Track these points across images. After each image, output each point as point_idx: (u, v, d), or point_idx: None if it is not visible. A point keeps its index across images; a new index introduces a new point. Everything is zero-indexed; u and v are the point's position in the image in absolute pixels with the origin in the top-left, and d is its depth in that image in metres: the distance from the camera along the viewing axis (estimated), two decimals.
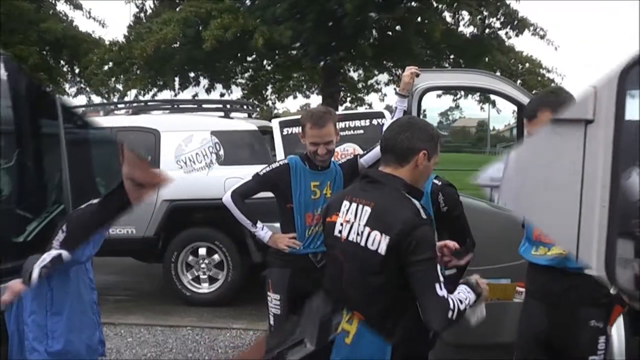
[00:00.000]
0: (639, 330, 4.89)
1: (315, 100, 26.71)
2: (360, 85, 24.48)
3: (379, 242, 3.28)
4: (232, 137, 9.96)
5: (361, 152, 5.92)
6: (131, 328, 8.75)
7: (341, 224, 3.50)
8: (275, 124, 9.13)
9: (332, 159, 5.35)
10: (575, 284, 3.94)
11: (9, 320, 3.60)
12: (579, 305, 3.98)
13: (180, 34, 17.68)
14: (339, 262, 3.52)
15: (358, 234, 3.40)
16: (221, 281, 9.90)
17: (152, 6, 21.31)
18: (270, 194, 5.45)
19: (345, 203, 3.53)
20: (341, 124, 8.70)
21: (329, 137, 5.13)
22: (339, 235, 3.51)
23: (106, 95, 22.96)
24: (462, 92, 20.53)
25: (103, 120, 10.99)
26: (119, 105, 12.92)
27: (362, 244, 3.36)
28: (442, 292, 3.20)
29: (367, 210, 3.40)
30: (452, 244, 3.89)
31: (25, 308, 3.60)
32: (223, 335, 8.44)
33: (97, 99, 23.66)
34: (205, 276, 9.96)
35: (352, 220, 3.45)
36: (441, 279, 3.23)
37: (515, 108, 6.21)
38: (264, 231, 5.37)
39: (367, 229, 3.35)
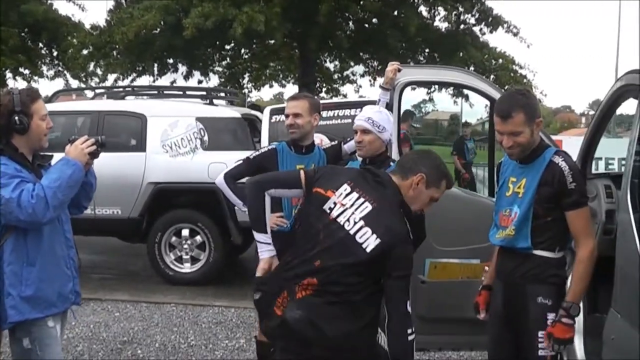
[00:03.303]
0: (596, 308, 5.32)
1: (291, 89, 27.01)
2: (336, 76, 24.74)
3: (367, 238, 3.63)
4: (217, 123, 10.34)
5: (328, 142, 6.43)
6: (117, 304, 9.13)
7: (334, 203, 3.76)
8: (266, 111, 9.51)
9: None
10: (521, 262, 4.31)
11: None
12: (526, 282, 4.29)
13: (161, 21, 17.91)
14: (316, 232, 3.75)
15: (348, 220, 3.69)
16: (203, 261, 10.31)
17: None
18: None
19: (346, 187, 3.79)
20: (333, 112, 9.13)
21: (296, 110, 5.67)
22: (328, 211, 3.75)
23: (84, 79, 23.12)
24: (437, 86, 20.90)
25: (90, 104, 11.34)
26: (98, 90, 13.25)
27: (351, 232, 3.67)
28: (409, 309, 3.67)
29: (368, 207, 3.71)
30: None
31: (5, 259, 4.07)
32: (206, 312, 8.84)
33: (74, 83, 23.86)
34: (188, 256, 10.36)
35: (348, 207, 3.73)
36: (409, 297, 3.67)
37: (489, 104, 6.61)
38: None
39: (362, 222, 3.67)
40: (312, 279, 3.67)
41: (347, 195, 3.76)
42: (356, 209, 3.71)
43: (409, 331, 3.66)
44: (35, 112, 4.18)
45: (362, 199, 3.74)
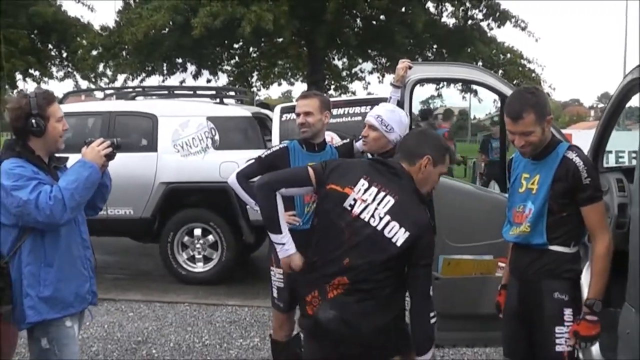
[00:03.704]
0: (610, 303, 5.32)
1: (300, 87, 27.04)
2: (344, 74, 24.78)
3: (395, 232, 3.70)
4: (227, 122, 10.38)
5: (339, 140, 6.44)
6: (131, 304, 9.20)
7: (354, 200, 3.78)
8: (276, 109, 9.55)
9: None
10: (536, 258, 4.32)
11: (12, 270, 4.18)
12: (541, 278, 4.30)
13: (170, 21, 17.97)
14: (340, 230, 3.77)
15: (373, 216, 3.73)
16: (215, 261, 10.35)
17: None
18: None
19: (363, 182, 3.81)
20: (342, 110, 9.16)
21: (307, 108, 5.64)
22: (349, 208, 3.77)
23: (94, 80, 23.22)
24: (446, 82, 20.88)
25: (102, 105, 11.39)
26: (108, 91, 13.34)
27: (379, 228, 3.71)
28: (431, 292, 3.81)
29: (391, 200, 3.75)
30: None
31: (23, 260, 4.15)
32: (219, 311, 8.89)
33: (84, 84, 23.95)
34: (200, 256, 10.40)
35: (369, 203, 3.76)
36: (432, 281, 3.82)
37: (498, 98, 6.62)
38: None
39: (388, 217, 3.72)
40: (342, 278, 3.72)
41: (366, 190, 3.79)
42: (379, 204, 3.75)
43: (432, 314, 3.79)
44: (51, 114, 4.25)
45: (382, 193, 3.78)
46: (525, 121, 4.16)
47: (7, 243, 4.16)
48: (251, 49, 22.95)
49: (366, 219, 3.74)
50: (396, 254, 3.69)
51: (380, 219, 3.72)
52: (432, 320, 3.79)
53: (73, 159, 4.42)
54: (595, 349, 4.98)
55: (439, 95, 26.82)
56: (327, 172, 3.90)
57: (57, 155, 4.47)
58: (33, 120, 4.17)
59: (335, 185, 3.84)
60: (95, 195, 4.40)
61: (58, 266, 4.22)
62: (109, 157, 4.33)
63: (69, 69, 24.29)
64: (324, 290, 3.77)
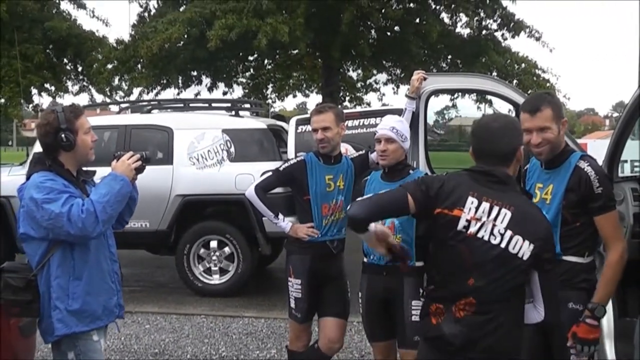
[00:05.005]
0: (627, 312, 5.30)
1: (315, 99, 27.04)
2: (359, 85, 24.80)
3: (520, 246, 3.48)
4: (243, 135, 10.44)
5: (353, 151, 6.43)
6: (148, 316, 9.24)
7: (467, 221, 3.52)
8: (292, 121, 9.59)
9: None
10: None
11: (40, 283, 4.20)
12: None
13: (185, 34, 18.02)
14: (458, 252, 3.55)
15: (493, 234, 3.50)
16: (231, 272, 10.39)
17: (155, 6, 21.59)
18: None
19: (472, 200, 3.54)
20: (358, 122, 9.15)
21: (324, 123, 5.66)
22: (464, 230, 3.52)
23: (109, 93, 23.27)
24: (461, 93, 20.85)
25: (117, 118, 11.45)
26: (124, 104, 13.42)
27: (502, 245, 3.49)
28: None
29: (507, 213, 3.51)
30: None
31: (52, 273, 4.17)
32: (236, 322, 8.93)
33: (99, 97, 24.00)
34: (217, 268, 10.46)
35: (485, 220, 3.51)
36: None
37: (513, 108, 6.63)
38: (284, 222, 5.80)
39: (509, 233, 3.49)
40: (468, 299, 3.54)
41: (477, 208, 3.55)
42: (495, 219, 3.53)
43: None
44: (80, 127, 4.26)
45: (496, 207, 3.54)
46: (544, 114, 4.22)
47: (35, 256, 4.19)
48: (266, 61, 23.00)
49: (485, 238, 3.52)
50: (524, 268, 3.53)
51: (502, 235, 3.50)
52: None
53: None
54: (611, 357, 4.96)
55: (454, 106, 26.80)
56: (432, 195, 3.61)
57: (84, 169, 4.49)
58: (62, 135, 4.17)
59: (443, 208, 3.58)
60: (124, 209, 4.41)
61: (87, 279, 4.24)
62: (139, 170, 4.36)
63: (84, 83, 24.24)
64: (449, 309, 3.59)
